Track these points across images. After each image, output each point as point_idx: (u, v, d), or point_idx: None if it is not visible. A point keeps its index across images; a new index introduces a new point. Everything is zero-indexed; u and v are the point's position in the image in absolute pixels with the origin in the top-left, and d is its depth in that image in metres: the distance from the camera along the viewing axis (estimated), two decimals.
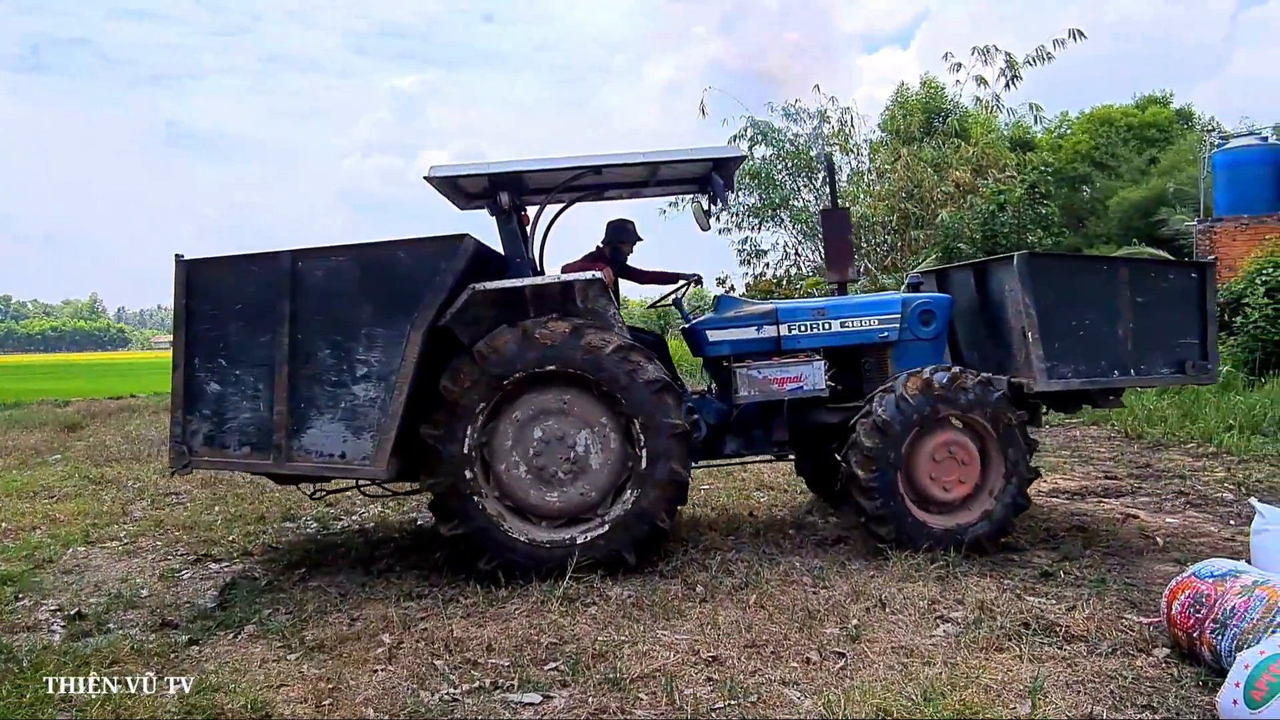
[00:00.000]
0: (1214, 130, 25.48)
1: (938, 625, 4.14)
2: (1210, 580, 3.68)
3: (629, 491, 5.11)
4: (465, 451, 4.98)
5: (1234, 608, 3.48)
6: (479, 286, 4.99)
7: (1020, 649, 3.80)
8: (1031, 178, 19.72)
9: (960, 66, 21.04)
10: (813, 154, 20.13)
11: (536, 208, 6.01)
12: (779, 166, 20.62)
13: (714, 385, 6.22)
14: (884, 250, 20.85)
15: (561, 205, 6.03)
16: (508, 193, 5.39)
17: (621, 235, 6.46)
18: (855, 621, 4.17)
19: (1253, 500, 4.31)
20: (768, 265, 21.66)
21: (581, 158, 5.50)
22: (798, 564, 5.16)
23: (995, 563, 5.12)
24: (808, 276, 20.41)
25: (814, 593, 4.64)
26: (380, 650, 4.04)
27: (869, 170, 21.10)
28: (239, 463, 5.08)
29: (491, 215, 5.63)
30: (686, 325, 6.14)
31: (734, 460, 6.23)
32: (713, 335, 5.84)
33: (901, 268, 19.23)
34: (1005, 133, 22.56)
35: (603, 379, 5.02)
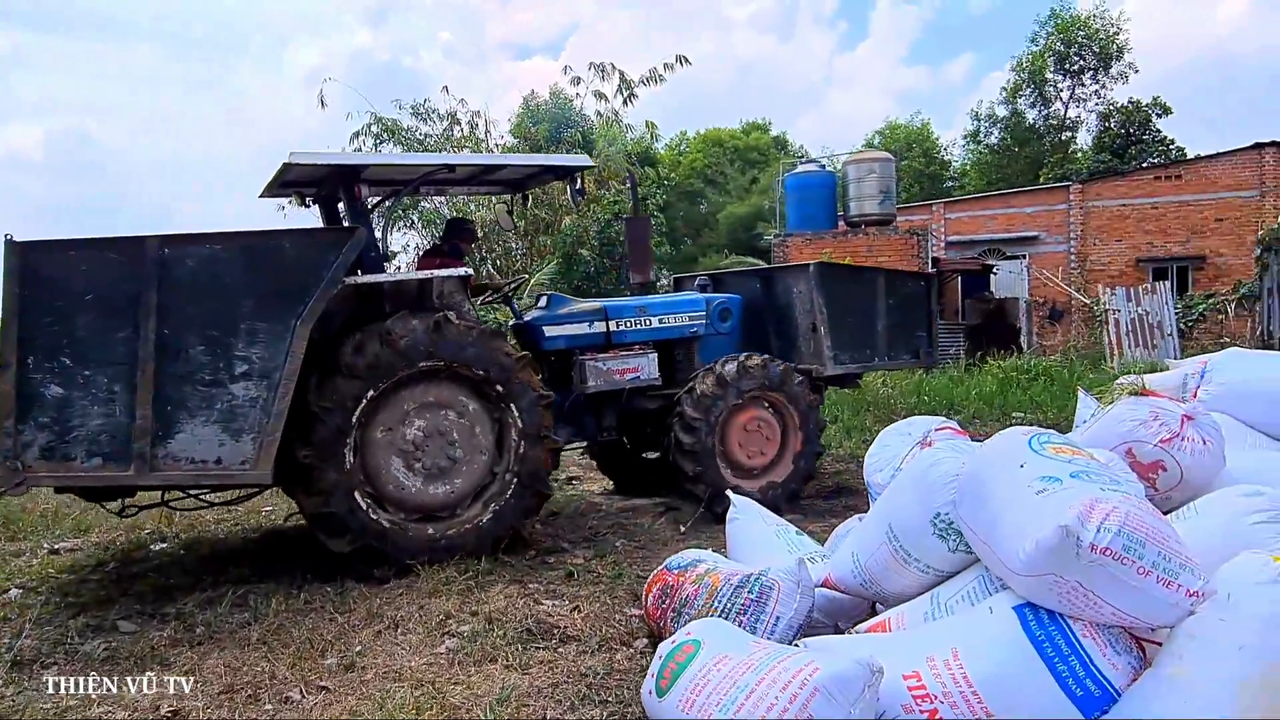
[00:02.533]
0: (803, 156, 29.27)
1: (443, 642, 4.08)
2: (676, 571, 3.98)
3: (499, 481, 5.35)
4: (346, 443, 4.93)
5: (688, 596, 3.78)
6: (349, 280, 4.97)
7: (512, 657, 3.85)
8: (645, 190, 21.22)
9: (580, 80, 22.10)
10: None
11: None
12: None
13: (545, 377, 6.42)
14: (515, 255, 21.28)
15: (383, 199, 6.21)
16: (365, 185, 5.46)
17: (462, 233, 6.68)
18: (359, 648, 4.00)
19: (728, 492, 4.79)
20: (399, 268, 21.14)
21: (437, 155, 5.82)
22: (328, 589, 4.87)
23: (530, 566, 5.23)
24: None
25: (330, 619, 4.40)
26: None
27: None
28: (88, 476, 4.50)
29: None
30: (519, 321, 6.48)
31: (565, 447, 6.46)
32: (549, 331, 6.23)
33: (529, 271, 19.74)
34: (627, 147, 24.02)
35: (486, 372, 5.20)
